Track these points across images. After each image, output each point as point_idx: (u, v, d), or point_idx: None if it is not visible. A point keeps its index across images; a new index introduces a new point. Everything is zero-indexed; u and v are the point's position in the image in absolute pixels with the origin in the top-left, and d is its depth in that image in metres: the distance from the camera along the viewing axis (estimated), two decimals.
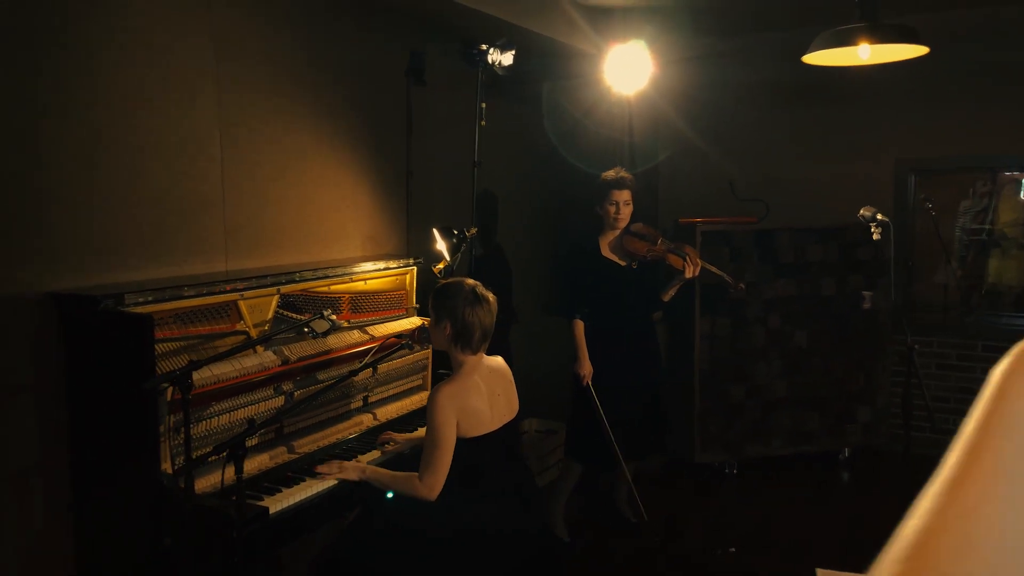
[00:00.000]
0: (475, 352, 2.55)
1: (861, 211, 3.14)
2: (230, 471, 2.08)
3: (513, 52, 3.59)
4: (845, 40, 3.23)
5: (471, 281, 2.59)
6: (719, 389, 4.59)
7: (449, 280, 2.65)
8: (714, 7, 4.28)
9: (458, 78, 3.77)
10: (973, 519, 0.37)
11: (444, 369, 3.12)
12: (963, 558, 0.36)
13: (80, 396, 2.36)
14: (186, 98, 2.73)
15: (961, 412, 2.81)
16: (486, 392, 2.53)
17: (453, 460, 2.42)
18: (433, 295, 2.60)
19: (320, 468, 2.58)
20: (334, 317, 2.69)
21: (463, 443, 2.44)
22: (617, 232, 3.77)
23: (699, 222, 4.51)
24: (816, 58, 3.39)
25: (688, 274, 3.68)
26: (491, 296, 2.58)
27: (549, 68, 4.67)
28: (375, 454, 2.83)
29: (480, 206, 4.44)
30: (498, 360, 2.68)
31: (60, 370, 2.36)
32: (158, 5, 2.62)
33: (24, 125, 2.27)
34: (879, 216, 3.08)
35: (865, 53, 3.28)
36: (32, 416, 2.33)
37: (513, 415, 2.64)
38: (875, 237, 3.11)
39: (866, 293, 4.75)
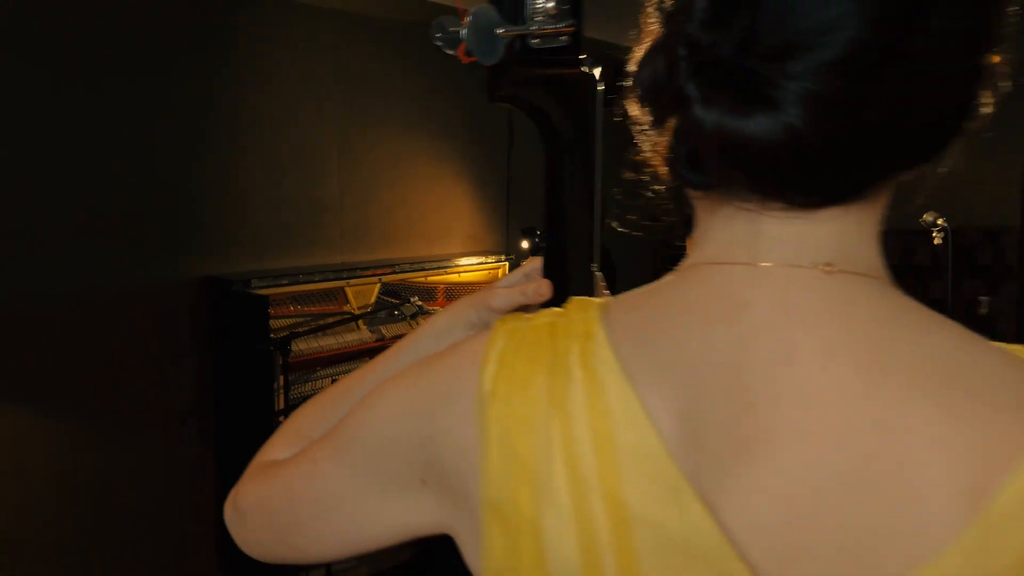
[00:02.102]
0: None
1: (924, 215, 3.23)
2: None
3: (600, 68, 3.96)
4: None
5: None
6: None
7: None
8: None
9: None
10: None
11: None
12: None
13: (221, 357, 3.06)
14: (312, 120, 3.38)
15: None
16: None
17: None
18: None
19: None
20: (420, 303, 3.24)
21: None
22: None
23: None
24: None
25: None
26: None
27: None
28: None
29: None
30: None
31: (209, 337, 3.07)
32: (291, 48, 3.28)
33: (188, 151, 2.99)
34: (939, 221, 3.16)
35: None
36: (191, 372, 3.06)
37: None
38: (936, 242, 3.19)
39: (983, 298, 4.65)
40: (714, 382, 0.46)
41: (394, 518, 0.56)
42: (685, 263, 0.55)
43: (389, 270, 3.40)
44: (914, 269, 4.65)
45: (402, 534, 0.57)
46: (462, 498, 0.51)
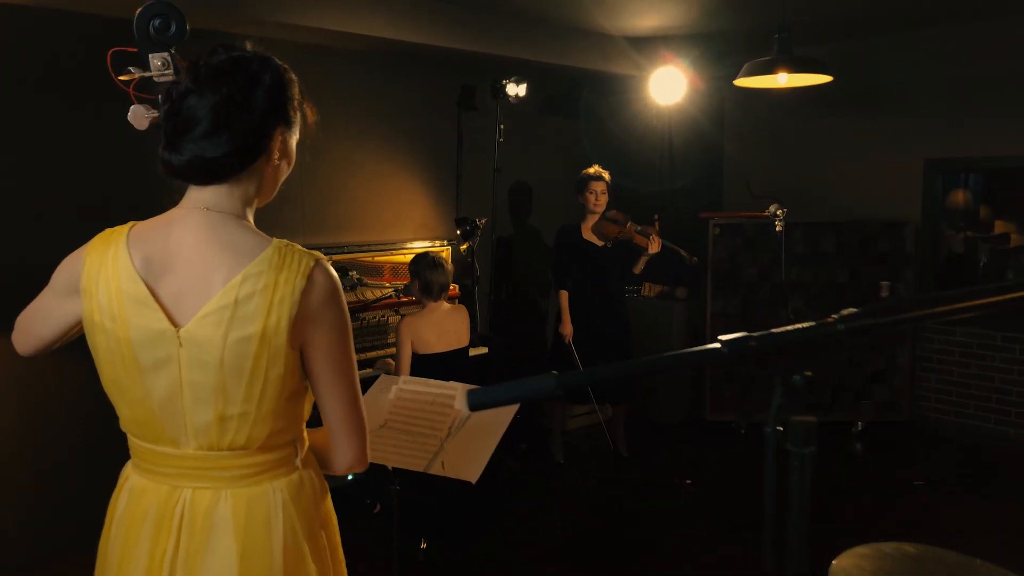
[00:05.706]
0: (436, 300, 3.77)
1: (769, 208, 3.90)
2: None
3: (525, 85, 4.74)
4: (767, 70, 3.99)
5: (434, 252, 3.82)
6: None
7: (420, 252, 3.91)
8: (737, 33, 5.06)
9: (504, 104, 4.95)
10: None
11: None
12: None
13: None
14: None
15: (980, 398, 4.50)
16: (436, 326, 3.75)
17: (412, 368, 3.69)
18: (410, 262, 3.87)
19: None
20: (359, 276, 4.07)
21: (416, 357, 3.69)
22: (596, 217, 4.70)
23: (715, 216, 5.30)
24: (746, 82, 4.16)
25: (651, 250, 4.54)
26: (448, 265, 3.79)
27: (594, 88, 5.69)
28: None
29: (517, 199, 5.61)
30: (459, 306, 3.89)
31: None
32: None
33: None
34: (779, 212, 3.83)
35: (783, 79, 4.02)
36: None
37: (461, 345, 3.83)
38: (778, 229, 3.85)
39: (884, 283, 5.23)
40: (157, 247, 1.30)
41: (72, 310, 1.35)
42: None
43: (337, 250, 4.24)
44: (823, 255, 5.26)
45: (78, 316, 1.35)
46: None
